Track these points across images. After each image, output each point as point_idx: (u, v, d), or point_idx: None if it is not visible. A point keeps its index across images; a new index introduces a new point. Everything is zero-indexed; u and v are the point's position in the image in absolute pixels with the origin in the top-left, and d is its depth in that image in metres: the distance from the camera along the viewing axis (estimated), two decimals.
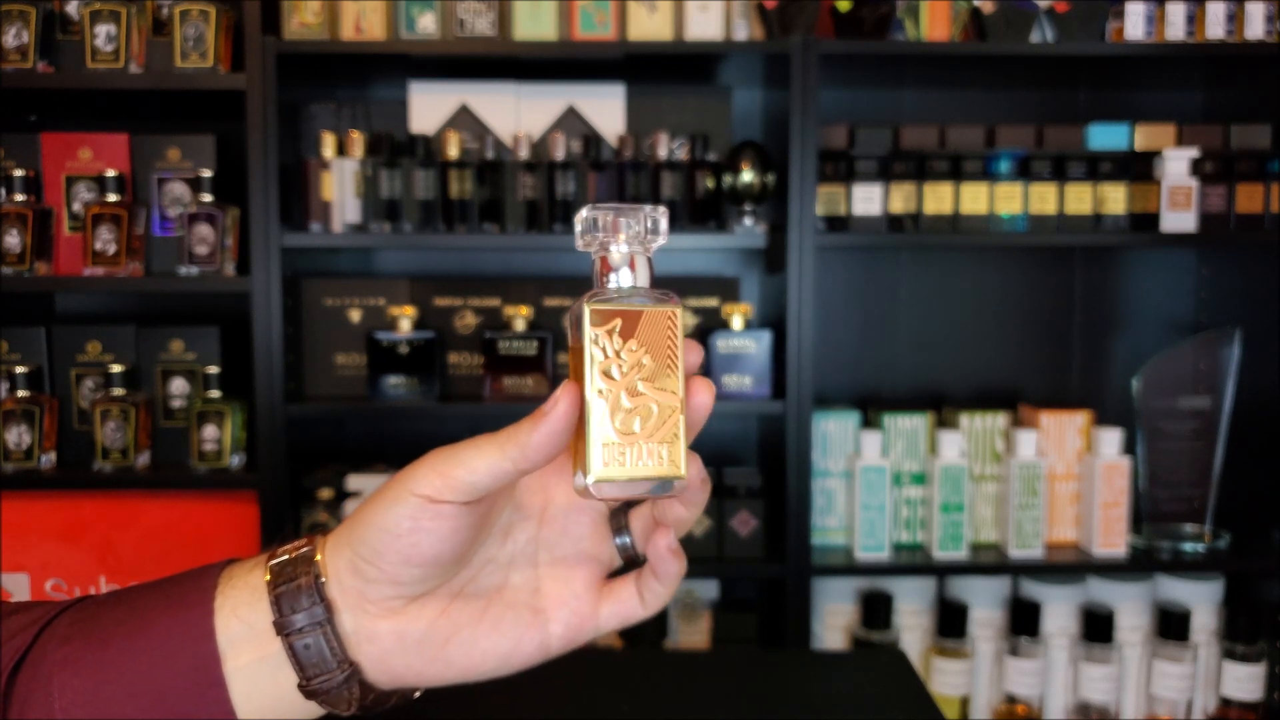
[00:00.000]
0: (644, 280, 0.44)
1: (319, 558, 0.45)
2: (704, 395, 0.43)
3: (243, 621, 0.45)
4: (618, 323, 0.42)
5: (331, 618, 0.44)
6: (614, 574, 0.49)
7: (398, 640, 0.45)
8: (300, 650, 0.44)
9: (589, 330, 0.42)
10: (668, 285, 1.64)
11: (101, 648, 0.44)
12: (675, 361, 0.43)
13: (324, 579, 0.45)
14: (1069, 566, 1.71)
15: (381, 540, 0.43)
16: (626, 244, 0.44)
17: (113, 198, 1.66)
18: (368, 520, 0.44)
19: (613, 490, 0.42)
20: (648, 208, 0.44)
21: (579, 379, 0.43)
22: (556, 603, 0.47)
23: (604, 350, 0.42)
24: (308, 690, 0.45)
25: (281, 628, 0.44)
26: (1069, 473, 1.75)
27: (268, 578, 0.45)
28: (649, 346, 0.43)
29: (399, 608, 0.45)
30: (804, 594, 1.66)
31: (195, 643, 0.44)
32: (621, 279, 0.44)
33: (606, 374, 0.42)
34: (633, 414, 0.42)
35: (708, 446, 1.92)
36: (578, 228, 0.44)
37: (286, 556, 0.46)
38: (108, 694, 0.44)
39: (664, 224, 0.44)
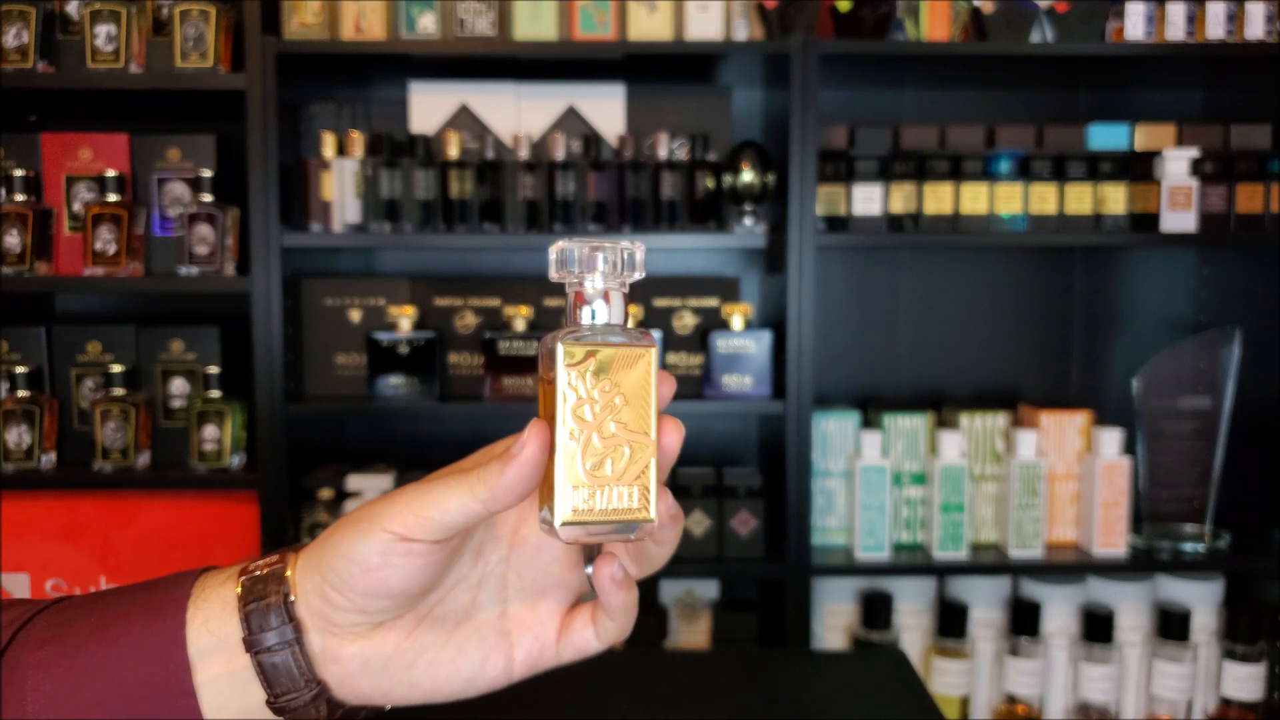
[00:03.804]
0: (618, 317, 0.43)
1: (290, 574, 0.45)
2: (673, 436, 0.43)
3: (214, 635, 0.45)
4: (592, 362, 0.41)
5: (300, 637, 0.44)
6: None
7: (363, 665, 0.45)
8: (269, 668, 0.44)
9: (563, 370, 0.41)
10: (668, 285, 1.64)
11: (74, 654, 0.45)
12: (649, 402, 0.42)
13: (294, 598, 0.45)
14: (1069, 566, 1.70)
15: (349, 571, 0.43)
16: (602, 279, 0.43)
17: (113, 198, 1.66)
18: (337, 549, 0.43)
19: (579, 533, 0.41)
20: (624, 242, 0.43)
21: (548, 416, 0.42)
22: (521, 627, 0.47)
23: (578, 391, 0.41)
24: (275, 706, 0.45)
25: (251, 645, 0.44)
26: (1069, 473, 1.75)
27: (238, 591, 0.45)
28: (623, 387, 0.42)
29: (365, 632, 0.45)
30: (804, 594, 1.66)
31: (167, 653, 0.44)
32: (597, 315, 0.43)
33: (579, 415, 0.41)
34: (604, 456, 0.41)
35: (708, 447, 1.92)
36: (552, 258, 0.43)
37: (259, 572, 0.46)
38: (80, 700, 0.44)
39: (640, 257, 0.43)
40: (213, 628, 0.45)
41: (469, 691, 0.47)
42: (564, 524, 0.41)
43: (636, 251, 0.43)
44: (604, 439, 0.41)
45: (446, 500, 0.42)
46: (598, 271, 0.42)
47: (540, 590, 0.47)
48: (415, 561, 0.43)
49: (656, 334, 1.70)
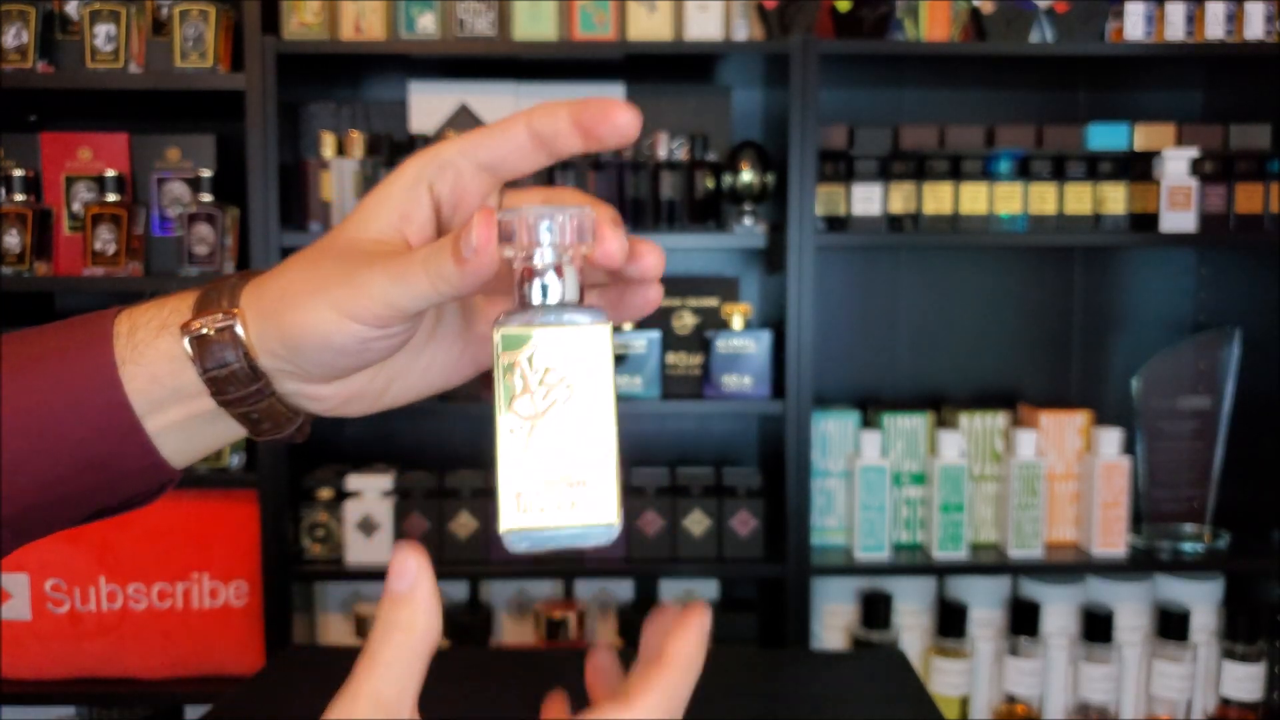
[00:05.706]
0: (572, 293, 0.38)
1: (245, 335, 0.43)
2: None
3: (166, 387, 0.43)
4: (535, 347, 0.37)
5: (270, 387, 0.44)
6: None
7: (341, 402, 0.45)
8: (250, 420, 0.44)
9: (500, 357, 0.37)
10: (668, 285, 1.63)
11: None
12: (603, 388, 0.37)
13: (256, 359, 0.43)
14: (1068, 566, 1.70)
15: (324, 357, 0.42)
16: (552, 251, 0.37)
17: (112, 198, 1.66)
18: (303, 333, 0.41)
19: (529, 543, 0.37)
20: (573, 208, 0.38)
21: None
22: (481, 322, 0.46)
23: (515, 382, 0.37)
24: (258, 434, 0.45)
25: (225, 405, 0.43)
26: (1069, 473, 1.75)
27: (190, 352, 0.42)
28: (574, 374, 0.37)
29: (337, 377, 0.45)
30: (804, 594, 1.66)
31: (100, 393, 0.43)
32: (549, 293, 0.38)
33: (519, 410, 0.37)
34: (553, 454, 0.37)
35: (708, 447, 1.92)
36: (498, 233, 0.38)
37: (206, 331, 0.43)
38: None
39: (590, 224, 0.38)
40: (165, 381, 0.43)
41: (440, 390, 0.48)
42: (509, 532, 0.36)
43: (587, 219, 0.38)
44: (550, 435, 0.37)
45: (415, 288, 0.39)
46: (545, 242, 0.37)
47: (492, 289, 0.46)
48: (397, 341, 0.42)
49: (657, 337, 1.70)
